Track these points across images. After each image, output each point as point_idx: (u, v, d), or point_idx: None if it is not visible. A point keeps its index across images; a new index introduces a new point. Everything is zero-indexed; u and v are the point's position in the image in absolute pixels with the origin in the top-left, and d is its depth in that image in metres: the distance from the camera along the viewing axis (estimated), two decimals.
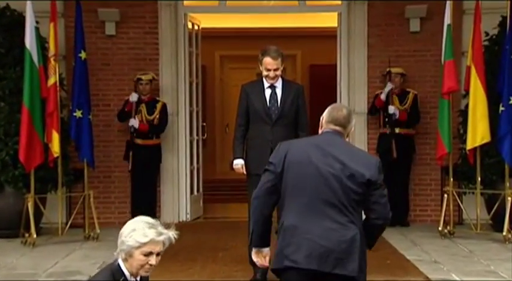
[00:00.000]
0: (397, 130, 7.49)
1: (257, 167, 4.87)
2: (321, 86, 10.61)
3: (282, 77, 5.13)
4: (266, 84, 5.13)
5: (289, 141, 3.55)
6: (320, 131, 3.46)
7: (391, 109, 7.43)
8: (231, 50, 11.63)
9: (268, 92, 5.11)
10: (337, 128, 3.42)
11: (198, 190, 8.18)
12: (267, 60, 5.01)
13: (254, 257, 3.41)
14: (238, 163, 5.13)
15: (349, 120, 3.45)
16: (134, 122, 7.36)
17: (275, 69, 5.03)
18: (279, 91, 5.10)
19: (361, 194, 3.26)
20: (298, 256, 3.23)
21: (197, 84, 8.24)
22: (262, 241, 3.38)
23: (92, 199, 6.79)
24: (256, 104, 5.07)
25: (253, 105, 5.07)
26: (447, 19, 6.71)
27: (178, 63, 7.81)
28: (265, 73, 5.05)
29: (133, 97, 7.38)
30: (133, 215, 3.34)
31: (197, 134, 8.20)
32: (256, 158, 5.06)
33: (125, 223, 3.05)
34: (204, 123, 8.54)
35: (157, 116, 7.44)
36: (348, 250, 3.22)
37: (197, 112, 8.23)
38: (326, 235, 3.22)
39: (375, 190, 3.27)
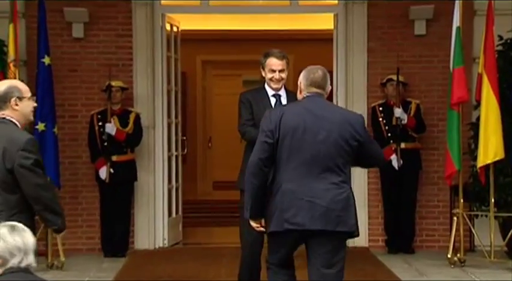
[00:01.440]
0: (402, 145, 7.49)
1: None
2: None
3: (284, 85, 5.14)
4: (270, 92, 5.11)
5: (280, 107, 4.19)
6: (301, 96, 4.08)
7: (398, 112, 7.41)
8: (214, 55, 11.65)
9: (273, 101, 5.10)
10: (319, 90, 4.05)
11: (177, 212, 8.18)
12: (272, 61, 5.02)
13: (253, 224, 3.99)
14: None
15: (326, 81, 4.10)
16: (111, 128, 7.27)
17: (280, 71, 5.03)
18: (284, 100, 5.09)
19: (352, 155, 3.94)
20: (301, 219, 3.86)
21: (176, 93, 8.24)
22: (261, 213, 3.96)
23: None
24: (260, 114, 4.94)
25: (256, 115, 5.01)
26: (456, 21, 6.73)
27: (155, 69, 7.82)
28: (269, 75, 5.03)
29: (109, 128, 7.28)
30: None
31: (176, 149, 8.20)
32: None
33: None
34: (184, 137, 8.55)
35: (132, 129, 7.44)
36: (345, 207, 3.92)
37: (176, 124, 8.22)
38: (324, 196, 3.87)
39: (367, 145, 3.98)
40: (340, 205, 3.90)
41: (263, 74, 5.10)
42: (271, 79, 5.05)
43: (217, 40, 11.20)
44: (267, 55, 5.05)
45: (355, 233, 4.01)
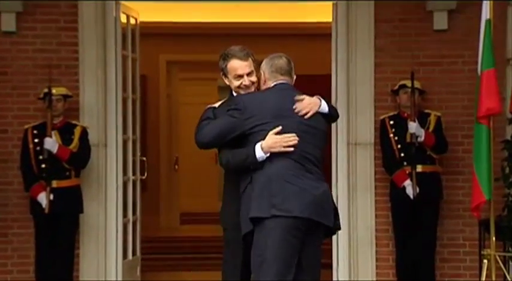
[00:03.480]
0: (419, 168, 7.44)
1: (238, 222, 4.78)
2: None
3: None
4: None
5: (253, 94, 4.74)
6: (265, 86, 4.72)
7: (413, 127, 7.40)
8: (182, 54, 11.75)
9: None
10: (286, 77, 4.74)
11: (134, 253, 8.17)
12: (235, 64, 4.91)
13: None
14: (264, 143, 4.70)
15: (292, 68, 4.76)
16: (51, 144, 7.23)
17: (248, 74, 4.94)
18: None
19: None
20: (290, 206, 4.50)
21: (134, 101, 8.25)
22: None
23: None
24: None
25: None
26: (486, 13, 6.69)
27: (107, 72, 7.80)
28: (235, 83, 4.94)
29: (49, 144, 7.21)
30: None
31: (134, 173, 8.22)
32: (237, 206, 4.86)
33: None
34: (144, 158, 8.52)
35: (77, 147, 7.41)
36: (327, 202, 4.65)
37: (134, 142, 8.22)
38: (311, 186, 4.58)
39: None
40: (323, 199, 4.63)
41: (226, 82, 5.01)
42: (239, 87, 4.95)
43: (186, 35, 11.29)
44: (226, 57, 4.95)
45: (332, 230, 4.76)
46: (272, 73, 4.72)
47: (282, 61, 4.72)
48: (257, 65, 4.97)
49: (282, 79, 4.72)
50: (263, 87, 4.70)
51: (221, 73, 4.99)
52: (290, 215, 4.48)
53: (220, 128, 4.67)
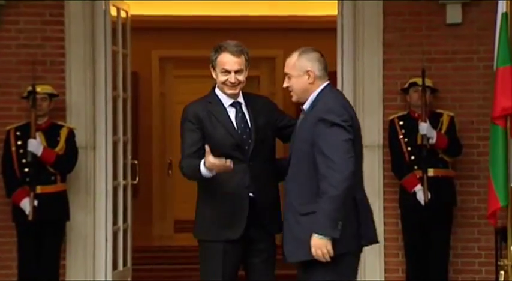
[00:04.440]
0: (431, 172, 7.46)
1: (222, 230, 4.93)
2: None
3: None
4: (226, 101, 5.08)
5: (341, 100, 4.80)
6: (313, 86, 4.73)
7: (424, 128, 7.42)
8: (176, 50, 11.77)
9: (233, 113, 5.10)
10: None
11: (124, 264, 8.18)
12: (225, 58, 4.99)
13: (329, 248, 4.53)
14: (210, 161, 4.81)
15: None
16: (36, 146, 7.23)
17: (237, 72, 5.00)
18: (244, 109, 5.11)
19: None
20: (370, 233, 4.85)
21: (125, 101, 8.26)
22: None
23: None
24: (217, 134, 5.02)
25: (212, 137, 5.01)
26: (502, 5, 6.70)
27: (95, 69, 7.82)
28: (221, 78, 5.01)
29: (33, 146, 7.22)
30: None
31: (124, 178, 8.22)
32: (220, 216, 5.01)
33: None
34: (136, 161, 8.56)
35: (63, 150, 7.43)
36: None
37: (125, 144, 8.24)
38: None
39: None
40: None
41: (213, 75, 5.09)
42: (224, 83, 5.02)
43: (181, 30, 11.28)
44: (218, 50, 5.03)
45: None
46: (322, 71, 4.74)
47: (324, 58, 4.79)
48: (248, 64, 5.05)
49: (327, 80, 4.81)
50: (311, 86, 4.73)
51: (210, 65, 5.06)
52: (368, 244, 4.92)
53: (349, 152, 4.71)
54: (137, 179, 8.53)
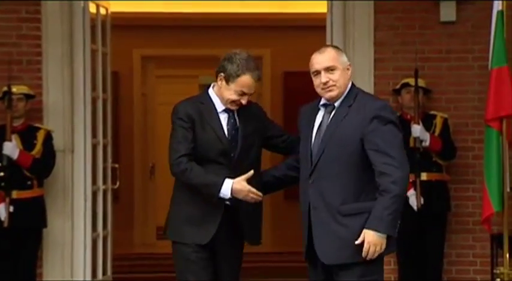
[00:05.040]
0: (424, 176, 7.49)
1: (193, 234, 5.03)
2: (300, 106, 10.63)
3: None
4: (220, 106, 5.15)
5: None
6: (350, 85, 4.90)
7: (417, 130, 7.43)
8: (158, 48, 11.73)
9: (224, 119, 5.16)
10: None
11: (104, 272, 8.18)
12: (249, 80, 5.06)
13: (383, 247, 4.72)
14: (234, 185, 4.95)
15: None
16: (11, 149, 7.21)
17: (250, 95, 5.14)
18: (235, 115, 5.17)
19: None
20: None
21: (104, 102, 8.27)
22: None
23: None
24: (206, 138, 5.08)
25: (200, 139, 5.08)
26: (498, 3, 6.73)
27: (74, 69, 7.83)
28: (233, 96, 5.07)
29: (8, 149, 7.20)
30: None
31: (104, 182, 8.22)
32: (192, 219, 5.10)
33: None
34: (116, 165, 8.56)
35: (40, 153, 7.42)
36: None
37: (105, 147, 8.25)
38: None
39: None
40: None
41: (219, 85, 5.11)
42: (233, 101, 5.10)
43: (163, 28, 11.27)
44: (245, 67, 5.06)
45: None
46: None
47: None
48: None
49: None
50: (348, 81, 4.90)
51: (222, 74, 5.06)
52: None
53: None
54: (118, 183, 8.53)
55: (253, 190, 4.95)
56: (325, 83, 4.82)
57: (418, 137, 7.46)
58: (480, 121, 7.37)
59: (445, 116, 7.69)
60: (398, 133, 4.80)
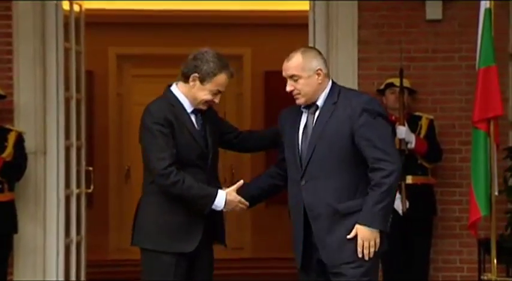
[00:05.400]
0: (409, 179, 7.48)
1: (176, 242, 4.98)
2: (282, 107, 10.62)
3: None
4: (189, 107, 5.15)
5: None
6: (321, 83, 4.89)
7: (402, 132, 7.42)
8: (135, 47, 11.74)
9: (194, 120, 5.17)
10: None
11: (78, 279, 8.17)
12: (224, 79, 5.10)
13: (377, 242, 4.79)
14: (228, 197, 5.01)
15: None
16: None
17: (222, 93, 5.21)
18: (201, 116, 5.21)
19: None
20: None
21: (78, 102, 8.26)
22: None
23: None
24: (184, 141, 5.08)
25: (178, 143, 5.06)
26: (485, 1, 6.73)
27: (46, 68, 7.82)
28: (207, 96, 5.08)
29: None
30: None
31: (78, 186, 8.22)
32: (176, 226, 5.06)
33: None
34: (90, 168, 8.54)
35: (11, 156, 7.39)
36: None
37: (78, 149, 8.24)
38: None
39: None
40: None
41: (191, 84, 5.10)
42: (206, 101, 5.11)
43: (140, 25, 11.26)
44: (219, 66, 5.07)
45: None
46: (326, 68, 4.99)
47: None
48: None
49: None
50: (318, 86, 4.90)
51: (196, 74, 5.05)
52: None
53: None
54: (92, 187, 8.51)
55: (243, 200, 5.03)
56: (290, 92, 4.93)
57: (403, 139, 7.45)
58: (467, 123, 7.37)
59: (431, 117, 7.70)
60: (388, 126, 4.91)
